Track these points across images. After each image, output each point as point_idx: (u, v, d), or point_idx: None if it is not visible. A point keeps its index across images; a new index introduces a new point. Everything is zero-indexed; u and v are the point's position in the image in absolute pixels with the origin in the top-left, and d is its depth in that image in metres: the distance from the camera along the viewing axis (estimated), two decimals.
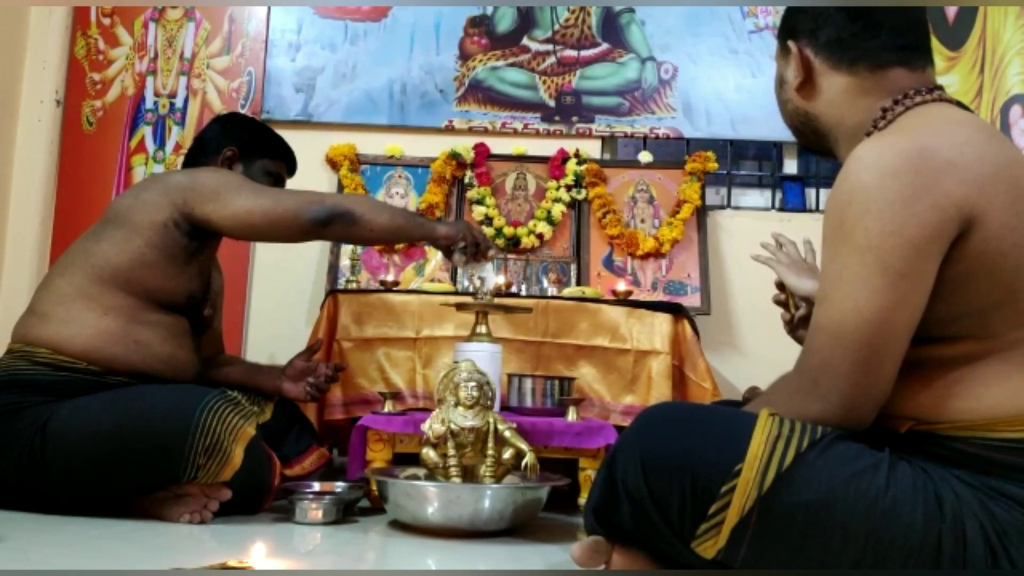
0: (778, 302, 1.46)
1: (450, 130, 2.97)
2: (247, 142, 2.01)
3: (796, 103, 1.22)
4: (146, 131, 2.98)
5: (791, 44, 1.20)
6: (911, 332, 1.00)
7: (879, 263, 0.97)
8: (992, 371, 1.00)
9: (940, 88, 1.13)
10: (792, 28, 1.21)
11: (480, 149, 2.91)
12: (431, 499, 1.60)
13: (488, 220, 2.86)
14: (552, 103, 2.99)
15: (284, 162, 2.09)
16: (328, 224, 1.80)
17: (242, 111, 2.90)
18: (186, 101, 3.00)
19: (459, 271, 2.72)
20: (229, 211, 1.77)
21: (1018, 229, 0.98)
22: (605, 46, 3.02)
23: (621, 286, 2.47)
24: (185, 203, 1.77)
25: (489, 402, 1.74)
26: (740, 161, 3.13)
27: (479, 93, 2.99)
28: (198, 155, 2.01)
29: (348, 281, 2.59)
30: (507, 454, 1.70)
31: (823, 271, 1.05)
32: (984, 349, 1.01)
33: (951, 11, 2.58)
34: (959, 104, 1.14)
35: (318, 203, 1.81)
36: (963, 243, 0.98)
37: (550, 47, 3.02)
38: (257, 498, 1.71)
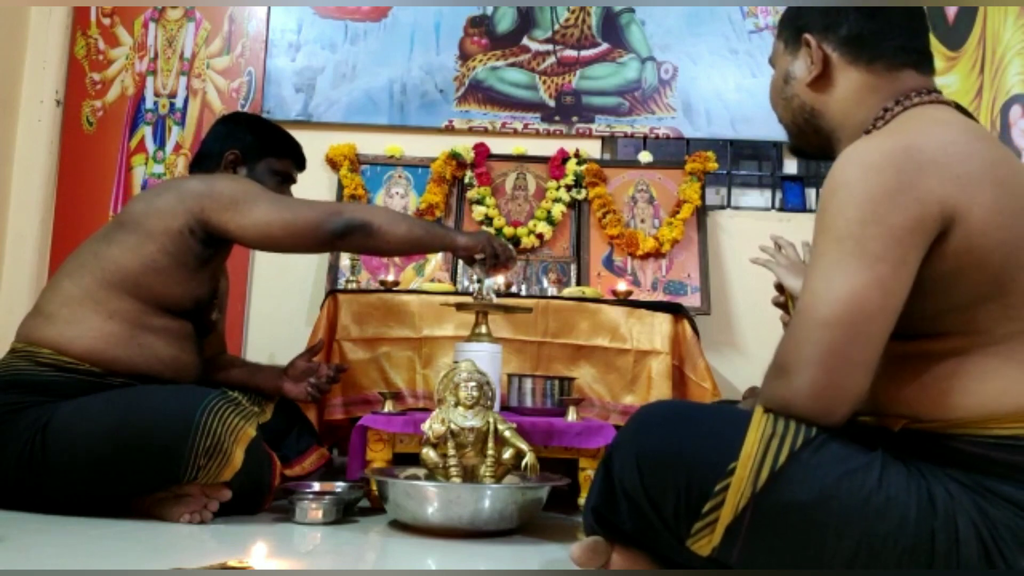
0: (777, 304, 1.46)
1: (450, 130, 2.97)
2: (249, 143, 1.99)
3: (804, 98, 1.22)
4: (146, 131, 2.98)
5: (808, 37, 1.19)
6: (888, 322, 0.98)
7: (857, 247, 0.98)
8: (982, 367, 1.00)
9: (938, 91, 1.15)
10: (805, 23, 1.21)
11: (480, 149, 2.92)
12: (431, 499, 1.60)
13: (488, 220, 2.86)
14: (552, 103, 2.99)
15: (291, 159, 2.06)
16: (346, 236, 1.80)
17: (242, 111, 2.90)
18: (186, 101, 3.00)
19: (459, 271, 2.72)
20: (247, 221, 1.77)
21: (1004, 226, 0.99)
22: (605, 46, 3.02)
23: (621, 286, 2.47)
24: (202, 211, 1.77)
25: (489, 402, 1.74)
26: (740, 161, 3.13)
27: (479, 93, 2.99)
28: (202, 160, 2.00)
29: (348, 281, 2.59)
30: (507, 454, 1.70)
31: (808, 263, 1.06)
32: (973, 344, 1.01)
33: (951, 11, 2.58)
34: (956, 106, 1.15)
35: (336, 214, 1.81)
36: (945, 241, 0.98)
37: (550, 47, 3.02)
38: (257, 498, 1.71)
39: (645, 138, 2.99)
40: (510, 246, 2.00)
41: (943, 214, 0.98)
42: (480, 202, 2.88)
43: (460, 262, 2.71)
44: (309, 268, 2.88)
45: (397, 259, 2.83)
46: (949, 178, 0.98)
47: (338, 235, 1.80)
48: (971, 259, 0.98)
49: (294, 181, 2.09)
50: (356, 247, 1.92)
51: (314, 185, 2.82)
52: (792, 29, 1.23)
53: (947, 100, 1.14)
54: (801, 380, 0.98)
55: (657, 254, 2.81)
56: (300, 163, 2.09)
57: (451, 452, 1.68)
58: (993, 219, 0.98)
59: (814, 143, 1.25)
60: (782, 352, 1.03)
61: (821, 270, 1.00)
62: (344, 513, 1.74)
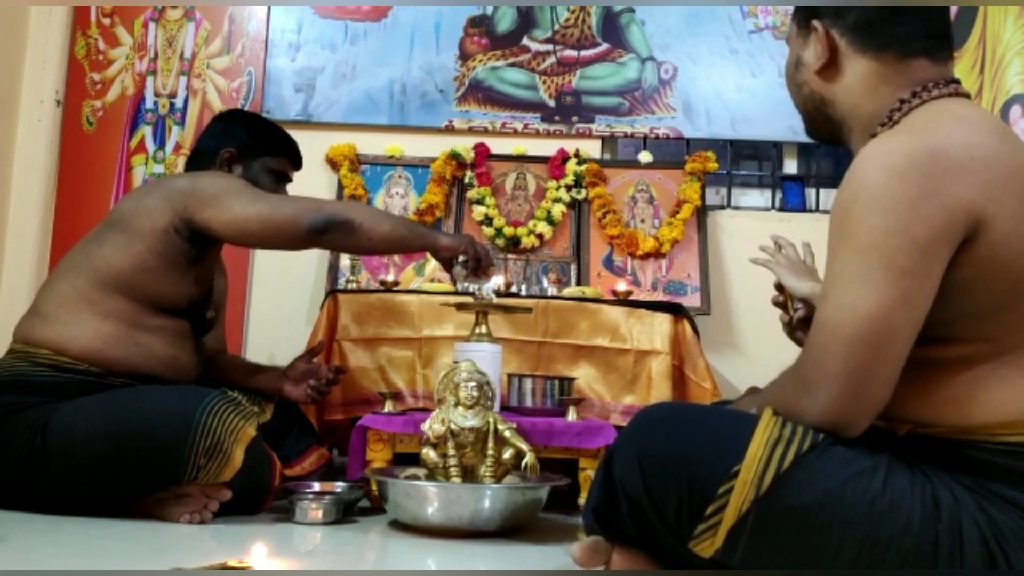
0: (777, 304, 1.45)
1: (450, 130, 2.97)
2: (245, 141, 1.97)
3: (813, 86, 1.18)
4: (146, 131, 2.98)
5: (816, 23, 1.16)
6: (912, 337, 0.97)
7: (882, 260, 0.95)
8: (992, 374, 0.99)
9: (956, 81, 1.11)
10: (816, 8, 1.17)
11: (480, 149, 2.92)
12: (431, 499, 1.60)
13: (488, 220, 2.86)
14: (552, 103, 2.99)
15: (287, 158, 2.04)
16: (326, 232, 1.77)
17: None
18: (186, 101, 3.00)
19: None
20: (227, 217, 1.76)
21: None
22: (605, 46, 3.02)
23: (621, 286, 2.47)
24: (186, 209, 1.76)
25: (489, 402, 1.74)
26: (740, 161, 3.13)
27: (479, 93, 2.99)
28: (198, 157, 1.99)
29: (348, 281, 2.59)
30: (507, 454, 1.70)
31: (827, 270, 1.04)
32: (984, 352, 1.00)
33: (951, 11, 2.58)
34: (970, 96, 1.12)
35: (316, 211, 1.78)
36: (970, 248, 0.96)
37: (550, 47, 3.02)
38: (257, 498, 1.71)
39: (645, 138, 2.99)
40: (490, 250, 1.98)
41: (968, 220, 0.95)
42: (480, 202, 2.87)
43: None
44: (309, 268, 2.88)
45: (397, 259, 2.83)
46: (975, 184, 0.96)
47: (317, 231, 1.77)
48: (991, 267, 0.97)
49: (290, 180, 2.07)
50: (337, 244, 1.91)
51: (314, 185, 2.82)
52: (804, 13, 1.19)
53: (964, 91, 1.10)
54: (825, 396, 0.97)
55: (657, 254, 2.81)
56: (296, 162, 2.07)
57: (451, 452, 1.68)
58: (1016, 227, 0.96)
59: (825, 130, 1.22)
60: (804, 365, 1.01)
61: (844, 282, 0.98)
62: (344, 513, 1.74)
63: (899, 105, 1.09)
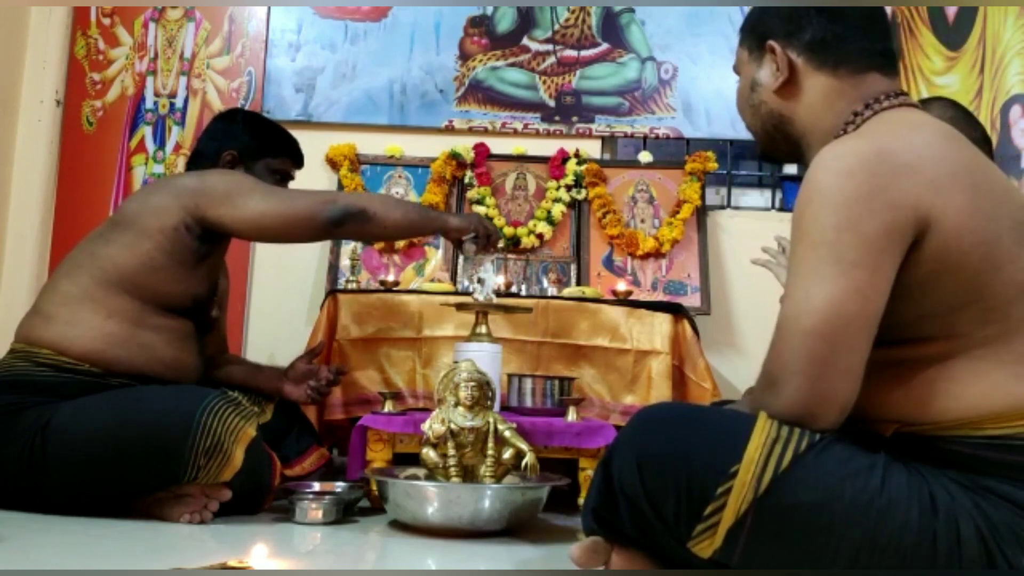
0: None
1: (450, 130, 2.97)
2: (247, 143, 1.98)
3: (772, 105, 1.23)
4: (146, 131, 2.98)
5: (773, 43, 1.20)
6: (870, 329, 0.99)
7: (831, 255, 0.98)
8: (966, 369, 1.01)
9: (905, 94, 1.16)
10: (767, 30, 1.22)
11: (480, 149, 2.92)
12: (431, 499, 1.60)
13: (488, 220, 2.86)
14: (552, 103, 2.99)
15: (289, 158, 2.06)
16: (342, 224, 1.81)
17: None
18: (186, 101, 3.00)
19: (459, 271, 2.72)
20: (241, 214, 1.77)
21: (978, 229, 0.99)
22: (605, 46, 3.02)
23: (621, 286, 2.47)
24: (197, 207, 1.77)
25: (489, 402, 1.74)
26: (740, 161, 3.13)
27: (479, 93, 2.99)
28: (199, 158, 1.99)
29: (348, 281, 2.59)
30: (507, 454, 1.70)
31: (787, 270, 1.07)
32: (955, 348, 1.01)
33: (951, 11, 2.58)
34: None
35: (331, 203, 1.82)
36: (923, 246, 0.99)
37: (550, 47, 3.02)
38: (257, 498, 1.71)
39: (645, 138, 2.99)
40: (497, 228, 2.07)
41: (917, 218, 0.98)
42: (480, 202, 2.88)
43: (460, 260, 2.73)
44: (309, 268, 2.89)
45: (396, 259, 2.83)
46: (922, 182, 0.99)
47: (334, 223, 1.81)
48: (948, 263, 0.99)
49: (292, 179, 2.09)
50: (353, 234, 1.95)
51: (314, 185, 2.81)
52: (755, 37, 1.24)
53: (914, 103, 1.16)
54: (786, 388, 0.99)
55: (657, 254, 2.81)
56: (298, 161, 2.09)
57: (451, 452, 1.68)
58: (968, 222, 0.99)
59: (784, 149, 1.27)
60: (768, 363, 1.04)
61: (799, 278, 1.01)
62: (344, 513, 1.74)
63: (852, 118, 1.14)
